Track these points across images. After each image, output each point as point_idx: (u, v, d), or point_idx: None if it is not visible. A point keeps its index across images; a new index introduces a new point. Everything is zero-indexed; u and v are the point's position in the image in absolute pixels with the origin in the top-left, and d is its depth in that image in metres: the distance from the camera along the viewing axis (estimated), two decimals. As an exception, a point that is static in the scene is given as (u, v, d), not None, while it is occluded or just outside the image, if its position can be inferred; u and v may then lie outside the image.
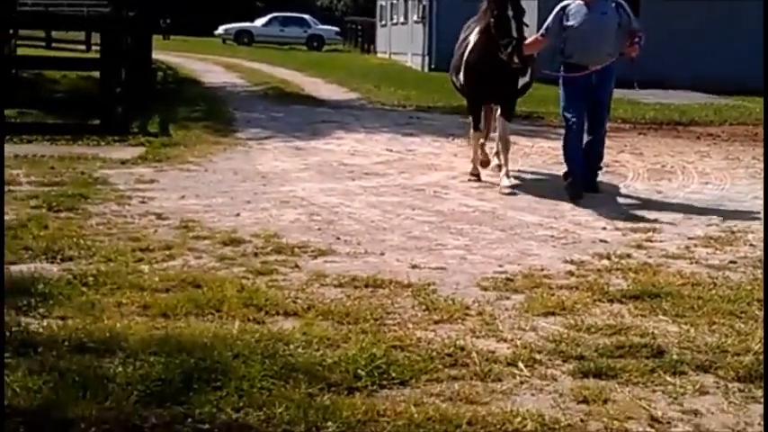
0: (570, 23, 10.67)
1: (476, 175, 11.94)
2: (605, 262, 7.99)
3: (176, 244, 8.16)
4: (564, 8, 10.77)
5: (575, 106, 10.84)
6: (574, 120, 10.83)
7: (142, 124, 16.26)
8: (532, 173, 12.77)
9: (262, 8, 62.52)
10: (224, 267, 7.51)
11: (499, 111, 11.74)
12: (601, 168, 11.54)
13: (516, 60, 10.53)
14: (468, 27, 12.02)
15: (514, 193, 11.03)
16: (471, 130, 12.06)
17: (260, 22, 56.00)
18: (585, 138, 11.03)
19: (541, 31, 10.98)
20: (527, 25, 10.99)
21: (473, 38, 11.42)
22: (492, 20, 10.73)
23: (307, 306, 6.49)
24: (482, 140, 12.22)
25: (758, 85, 16.49)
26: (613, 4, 10.67)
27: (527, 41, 10.82)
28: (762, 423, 4.83)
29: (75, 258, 7.53)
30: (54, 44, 37.65)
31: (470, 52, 11.40)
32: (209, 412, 4.72)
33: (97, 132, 14.75)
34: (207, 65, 36.54)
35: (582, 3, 10.70)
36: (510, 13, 10.58)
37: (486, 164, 12.26)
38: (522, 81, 11.45)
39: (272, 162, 13.26)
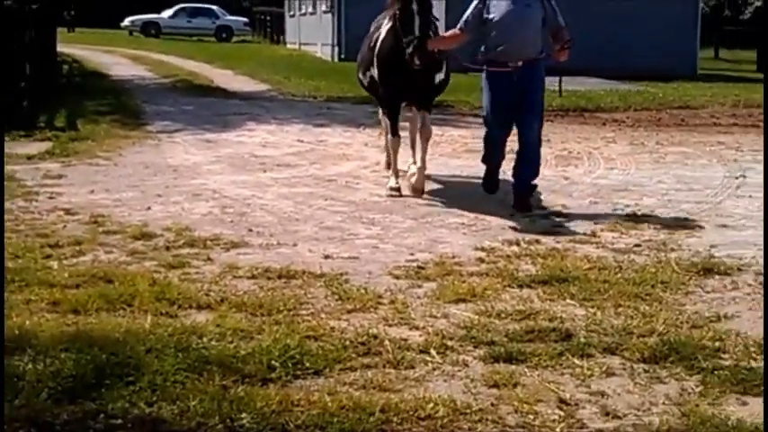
0: (491, 16, 9.49)
1: (397, 190, 10.30)
2: (514, 248, 8.11)
3: (86, 239, 8.08)
4: (484, 0, 9.62)
5: (498, 108, 9.62)
6: (496, 124, 9.77)
7: (48, 119, 16.04)
8: (443, 162, 12.87)
9: (169, -1, 61.90)
10: (135, 262, 7.47)
11: (414, 109, 10.68)
12: (535, 186, 9.97)
13: (417, 62, 9.36)
14: (377, 21, 10.97)
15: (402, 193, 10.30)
16: (387, 136, 10.84)
17: (167, 13, 55.41)
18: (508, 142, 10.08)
19: (460, 24, 9.78)
20: (436, 19, 10.13)
21: (383, 31, 10.27)
22: (396, 13, 9.64)
23: (220, 298, 6.49)
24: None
25: (663, 71, 16.81)
26: None
27: (445, 35, 10.15)
28: (665, 402, 4.98)
29: (-18, 256, 7.41)
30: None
31: (380, 48, 10.24)
32: (122, 407, 4.70)
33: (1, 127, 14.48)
34: (114, 57, 36.09)
35: None
36: (414, 7, 9.45)
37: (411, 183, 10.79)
38: (438, 77, 10.35)
39: (183, 155, 13.18)
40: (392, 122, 10.34)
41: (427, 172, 10.90)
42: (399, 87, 10.15)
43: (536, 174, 9.81)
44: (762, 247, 7.62)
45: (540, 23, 9.52)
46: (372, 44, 10.42)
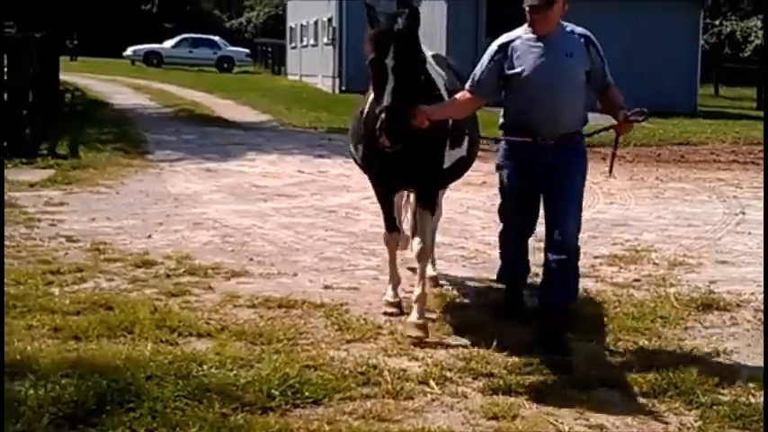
0: (516, 70, 6.38)
1: (395, 305, 7.19)
2: (514, 281, 8.11)
3: (87, 266, 8.11)
4: (505, 46, 6.44)
5: (520, 195, 6.63)
6: (517, 218, 6.80)
7: (51, 147, 16.09)
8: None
9: (171, 29, 62.14)
10: (136, 289, 7.50)
11: (412, 198, 7.56)
12: (569, 315, 6.72)
13: (387, 144, 5.98)
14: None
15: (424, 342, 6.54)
16: (383, 232, 7.30)
17: (169, 43, 55.64)
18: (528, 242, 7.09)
19: (469, 83, 6.55)
20: (424, 75, 6.48)
21: (370, 95, 6.60)
22: (368, 62, 6.22)
23: (220, 327, 6.52)
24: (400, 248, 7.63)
25: (663, 108, 16.84)
26: (581, 39, 6.44)
27: (445, 104, 6.57)
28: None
29: (-16, 281, 7.43)
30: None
31: (366, 115, 6.73)
32: (123, 433, 4.72)
33: (4, 155, 14.54)
34: (116, 86, 36.21)
35: (532, 36, 6.40)
36: (389, 61, 6.07)
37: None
38: (453, 155, 6.86)
39: (184, 184, 13.23)
40: (384, 215, 7.16)
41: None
42: (387, 171, 6.74)
43: (571, 295, 6.69)
44: (761, 284, 7.65)
45: (585, 80, 6.48)
46: (361, 110, 6.97)
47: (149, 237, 9.51)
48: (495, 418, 5.16)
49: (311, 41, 42.73)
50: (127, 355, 5.80)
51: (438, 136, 6.56)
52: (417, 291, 6.71)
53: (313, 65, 41.80)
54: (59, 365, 5.53)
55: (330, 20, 38.44)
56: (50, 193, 11.90)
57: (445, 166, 6.80)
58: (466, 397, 5.47)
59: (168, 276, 7.94)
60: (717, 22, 51.30)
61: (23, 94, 16.13)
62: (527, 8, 6.34)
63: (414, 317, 6.58)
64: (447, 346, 6.31)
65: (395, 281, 7.33)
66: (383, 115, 5.93)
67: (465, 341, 6.41)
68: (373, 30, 6.19)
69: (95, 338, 6.15)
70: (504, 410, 5.22)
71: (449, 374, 5.77)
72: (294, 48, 47.56)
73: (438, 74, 6.85)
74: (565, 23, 6.49)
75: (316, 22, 41.68)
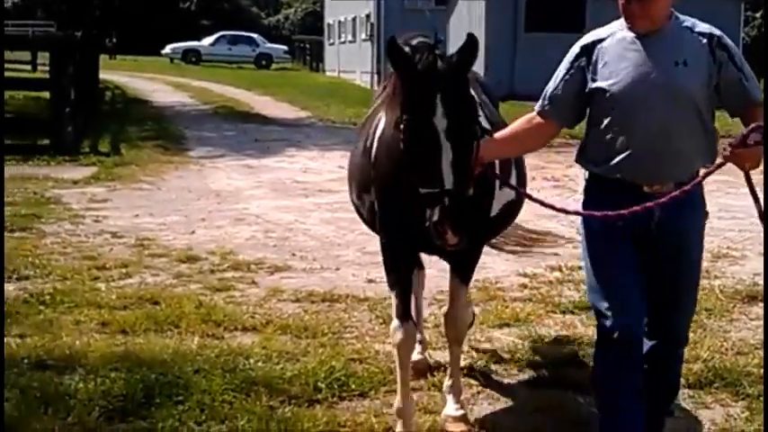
0: (601, 84, 4.24)
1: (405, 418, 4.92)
2: (557, 274, 8.13)
3: (132, 262, 8.19)
4: (590, 48, 4.32)
5: (620, 282, 4.30)
6: (618, 314, 4.26)
7: (93, 144, 16.24)
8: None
9: (209, 27, 62.43)
10: (181, 284, 7.56)
11: (450, 268, 5.12)
12: (672, 413, 4.85)
13: (452, 242, 4.04)
14: (374, 100, 5.33)
15: None
16: (393, 320, 4.94)
17: (207, 41, 55.88)
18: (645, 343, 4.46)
19: (541, 102, 4.43)
20: (487, 129, 4.52)
21: (380, 127, 4.79)
22: (401, 124, 4.15)
23: (265, 321, 6.56)
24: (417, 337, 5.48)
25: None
26: (703, 40, 4.25)
27: (505, 133, 4.53)
28: (711, 428, 4.97)
29: (32, 277, 7.55)
30: (-2, 65, 37.24)
31: (378, 158, 4.75)
32: (172, 426, 4.78)
33: (47, 152, 14.72)
34: (155, 84, 36.42)
35: (630, 34, 4.25)
36: (439, 121, 4.03)
37: (422, 370, 5.71)
38: (500, 197, 4.93)
39: (225, 180, 13.30)
40: (399, 296, 4.88)
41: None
42: (414, 232, 4.40)
43: (674, 394, 4.80)
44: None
45: (709, 98, 4.29)
46: (368, 143, 4.92)
47: (192, 232, 9.58)
48: (540, 410, 5.17)
49: (349, 37, 42.80)
50: (174, 348, 5.86)
51: (484, 177, 4.44)
52: (449, 382, 5.11)
53: (351, 61, 41.87)
54: (108, 359, 5.60)
55: (368, 16, 38.50)
56: (94, 189, 12.01)
57: (492, 214, 4.92)
58: (511, 389, 5.48)
59: (212, 272, 8.00)
60: (758, 15, 50.82)
61: (65, 93, 16.27)
62: None
63: (451, 409, 4.99)
64: (491, 340, 6.32)
65: (407, 411, 4.85)
66: (445, 203, 3.95)
67: (509, 336, 6.41)
68: (403, 72, 4.07)
69: (143, 333, 6.22)
70: (550, 403, 5.23)
71: (494, 367, 5.78)
72: (332, 44, 47.66)
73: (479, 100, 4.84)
74: (683, 17, 4.29)
75: (353, 18, 41.75)
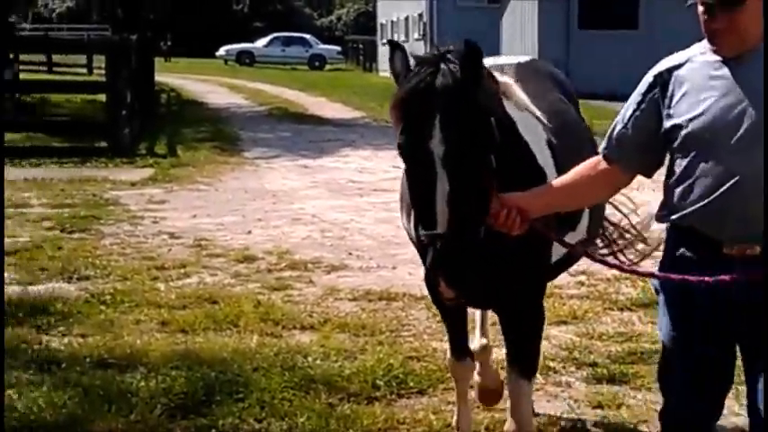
0: (679, 119, 3.39)
1: None
2: (614, 271, 8.06)
3: (191, 262, 8.28)
4: (665, 77, 3.47)
5: (692, 372, 3.53)
6: (689, 395, 3.57)
7: (149, 146, 16.42)
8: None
9: (262, 28, 62.80)
10: (239, 284, 7.63)
11: (503, 332, 4.22)
12: None
13: (450, 295, 3.29)
14: None
15: None
16: (447, 357, 4.69)
17: (261, 42, 56.21)
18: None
19: (606, 143, 3.58)
20: (538, 168, 3.89)
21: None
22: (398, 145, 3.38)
23: (323, 320, 6.60)
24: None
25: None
26: None
27: (576, 177, 3.62)
28: None
29: (92, 278, 7.66)
30: (55, 68, 37.84)
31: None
32: (233, 423, 4.84)
33: (105, 155, 14.91)
34: (209, 86, 36.69)
35: (714, 58, 3.39)
36: (435, 147, 3.26)
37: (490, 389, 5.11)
38: (565, 244, 3.92)
39: (281, 180, 13.38)
40: (450, 333, 4.55)
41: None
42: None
43: None
44: None
45: None
46: None
47: (249, 233, 9.65)
48: (599, 407, 5.16)
49: (401, 37, 42.85)
50: (233, 347, 5.92)
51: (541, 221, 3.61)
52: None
53: (404, 60, 41.87)
54: (169, 358, 5.67)
55: (420, 15, 38.54)
56: (151, 191, 12.15)
57: (553, 260, 4.09)
58: (570, 386, 5.47)
59: (270, 271, 8.06)
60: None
61: (121, 96, 16.47)
62: (699, 5, 3.36)
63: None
64: (549, 337, 6.31)
65: (463, 423, 4.61)
66: (436, 246, 3.22)
67: (567, 334, 6.40)
68: (399, 88, 3.42)
69: (202, 332, 6.29)
70: (609, 400, 5.22)
71: (552, 364, 5.76)
72: (385, 44, 47.68)
73: (533, 126, 3.93)
74: None
75: (406, 18, 41.84)
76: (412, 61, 3.44)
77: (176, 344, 6.02)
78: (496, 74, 3.80)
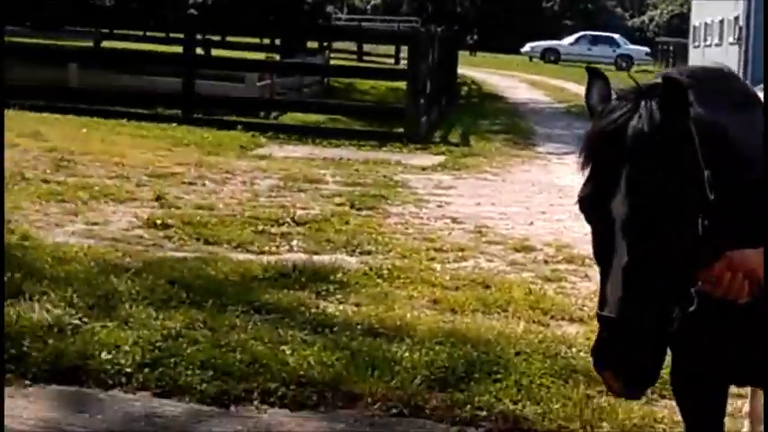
0: None
1: None
2: None
3: (469, 247, 8.40)
4: None
5: None
6: None
7: (444, 134, 16.75)
8: None
9: (571, 27, 62.50)
10: (514, 272, 7.68)
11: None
12: None
13: (620, 391, 2.68)
14: None
15: None
16: None
17: (567, 40, 55.96)
18: None
19: None
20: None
21: None
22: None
23: (593, 314, 6.49)
24: None
25: None
26: None
27: None
28: None
29: (373, 253, 7.92)
30: (365, 57, 39.22)
31: None
32: (488, 401, 4.91)
33: (401, 140, 15.37)
34: (511, 81, 36.90)
35: None
36: (616, 208, 2.62)
37: None
38: None
39: (570, 176, 13.25)
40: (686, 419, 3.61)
41: None
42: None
43: None
44: None
45: None
46: None
47: (531, 224, 9.67)
48: None
49: (715, 41, 41.51)
50: (499, 330, 5.98)
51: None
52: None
53: (715, 65, 40.54)
54: (435, 333, 5.80)
55: (736, 18, 37.15)
56: (440, 177, 12.39)
57: None
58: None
59: (546, 262, 8.05)
60: None
61: (422, 85, 16.87)
62: None
63: None
64: None
65: None
66: (602, 335, 2.59)
67: None
68: (589, 130, 2.82)
69: (470, 313, 6.39)
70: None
71: None
72: (697, 47, 46.39)
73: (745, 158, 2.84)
74: None
75: (721, 21, 40.43)
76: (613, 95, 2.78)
77: (444, 321, 6.14)
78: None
